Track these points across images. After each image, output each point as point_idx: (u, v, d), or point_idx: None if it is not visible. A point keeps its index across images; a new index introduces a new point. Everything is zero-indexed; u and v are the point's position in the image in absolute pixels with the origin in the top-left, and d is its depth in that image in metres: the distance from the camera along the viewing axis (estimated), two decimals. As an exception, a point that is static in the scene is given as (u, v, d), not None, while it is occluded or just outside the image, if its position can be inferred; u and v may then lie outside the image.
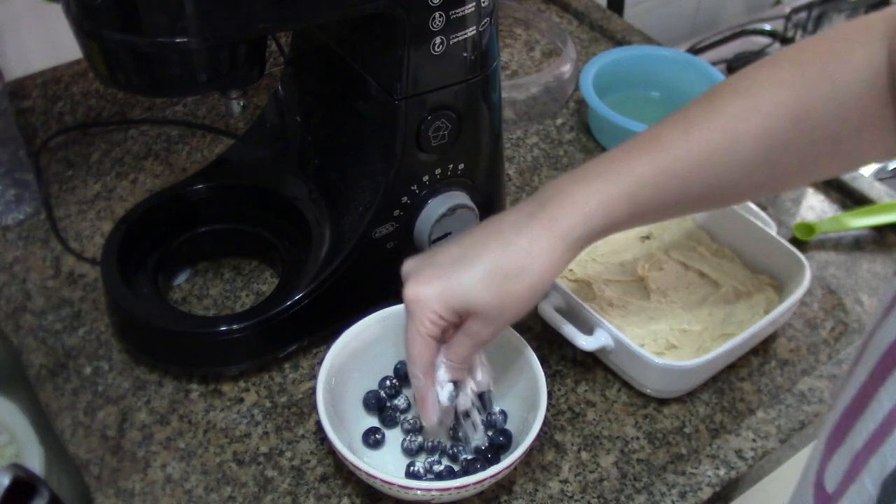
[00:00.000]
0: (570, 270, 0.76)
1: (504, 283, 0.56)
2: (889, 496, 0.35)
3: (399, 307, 0.68)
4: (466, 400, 0.63)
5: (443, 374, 0.61)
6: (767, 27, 1.56)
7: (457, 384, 0.62)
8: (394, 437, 0.67)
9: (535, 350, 0.66)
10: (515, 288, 0.57)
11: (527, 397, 0.65)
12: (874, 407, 0.39)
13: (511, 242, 0.56)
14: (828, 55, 0.55)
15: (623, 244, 0.79)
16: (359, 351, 0.67)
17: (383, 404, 0.68)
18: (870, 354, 0.41)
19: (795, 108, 0.54)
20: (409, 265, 0.60)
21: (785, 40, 1.55)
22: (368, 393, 0.68)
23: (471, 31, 0.64)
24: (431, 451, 0.66)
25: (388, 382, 0.69)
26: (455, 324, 0.59)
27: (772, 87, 0.55)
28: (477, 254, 0.57)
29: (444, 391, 0.61)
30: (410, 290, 0.57)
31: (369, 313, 0.68)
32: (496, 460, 0.64)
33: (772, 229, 0.76)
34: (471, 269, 0.56)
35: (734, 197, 0.63)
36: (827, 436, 0.43)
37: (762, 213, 0.78)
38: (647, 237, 0.80)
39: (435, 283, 0.57)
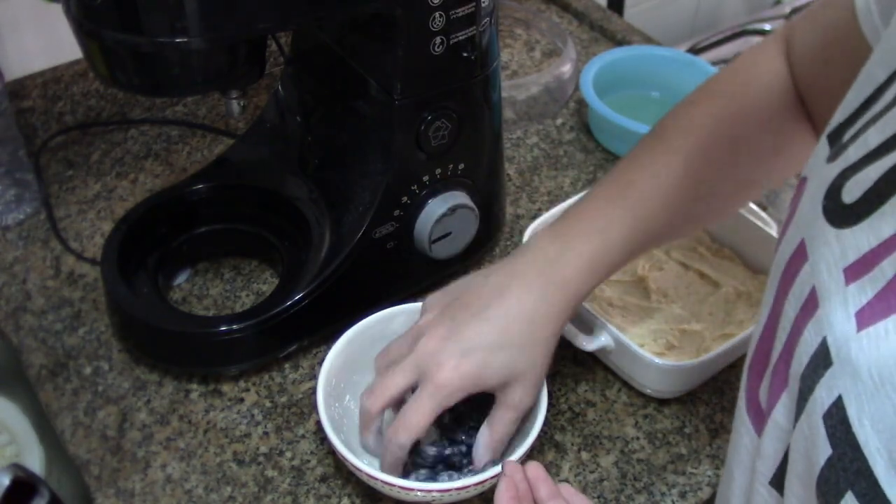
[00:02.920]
0: None
1: (533, 351, 0.60)
2: (807, 388, 0.38)
3: (400, 307, 0.68)
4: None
5: (485, 451, 0.61)
6: (767, 27, 1.56)
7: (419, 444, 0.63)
8: None
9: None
10: (542, 352, 0.61)
11: None
12: (783, 321, 0.42)
13: (534, 313, 0.60)
14: (744, 87, 0.63)
15: None
16: (360, 351, 0.67)
17: None
18: (774, 275, 0.44)
19: (731, 138, 0.62)
20: (432, 341, 0.59)
21: (785, 40, 1.55)
22: None
23: (471, 31, 0.64)
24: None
25: None
26: None
27: (708, 120, 0.63)
28: (503, 332, 0.59)
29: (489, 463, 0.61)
30: (442, 375, 0.57)
31: (370, 313, 0.68)
32: (497, 461, 0.63)
33: (772, 229, 0.76)
34: (500, 348, 0.59)
35: (697, 223, 0.71)
36: (750, 361, 0.47)
37: (762, 213, 0.78)
38: None
39: (466, 368, 0.58)
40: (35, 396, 0.68)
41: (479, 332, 0.59)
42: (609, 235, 0.61)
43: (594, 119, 0.96)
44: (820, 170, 0.42)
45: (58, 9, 0.59)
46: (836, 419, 0.35)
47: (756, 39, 1.54)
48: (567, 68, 0.97)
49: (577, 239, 0.61)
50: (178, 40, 0.56)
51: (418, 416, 0.58)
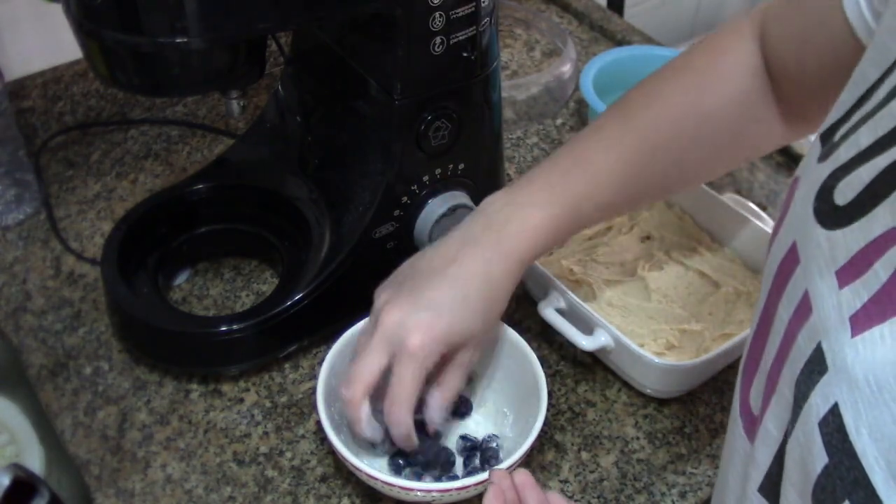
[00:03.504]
0: (571, 270, 0.76)
1: (489, 311, 0.61)
2: (801, 395, 0.37)
3: None
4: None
5: (438, 411, 0.62)
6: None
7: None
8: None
9: (535, 350, 0.66)
10: (496, 313, 0.62)
11: (527, 397, 0.65)
12: (777, 324, 0.42)
13: (488, 274, 0.60)
14: (713, 63, 0.63)
15: (623, 244, 0.79)
16: None
17: None
18: (766, 277, 0.44)
19: (696, 111, 0.63)
20: (394, 311, 0.59)
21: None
22: None
23: (471, 31, 0.64)
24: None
25: None
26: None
27: (674, 94, 0.64)
28: (462, 288, 0.60)
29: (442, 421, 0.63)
30: (415, 339, 0.57)
31: (370, 313, 0.68)
32: (496, 461, 0.64)
33: (771, 229, 0.76)
34: (464, 306, 0.59)
35: (658, 195, 0.74)
36: (744, 364, 0.46)
37: (762, 213, 0.78)
38: (648, 237, 0.80)
39: (437, 327, 0.58)
40: (35, 396, 0.68)
41: (440, 290, 0.59)
42: (559, 205, 0.62)
43: (594, 119, 0.96)
44: (811, 170, 0.42)
45: (58, 9, 0.59)
46: (833, 427, 0.34)
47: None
48: (567, 68, 0.97)
49: (526, 207, 0.62)
50: (178, 40, 0.56)
51: (405, 388, 0.58)
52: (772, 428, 0.41)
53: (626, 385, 0.72)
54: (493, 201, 0.63)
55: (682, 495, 0.65)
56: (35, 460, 0.61)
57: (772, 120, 0.63)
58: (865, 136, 0.38)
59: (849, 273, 0.36)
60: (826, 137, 0.43)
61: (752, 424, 0.45)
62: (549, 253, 0.76)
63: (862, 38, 0.51)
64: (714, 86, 0.63)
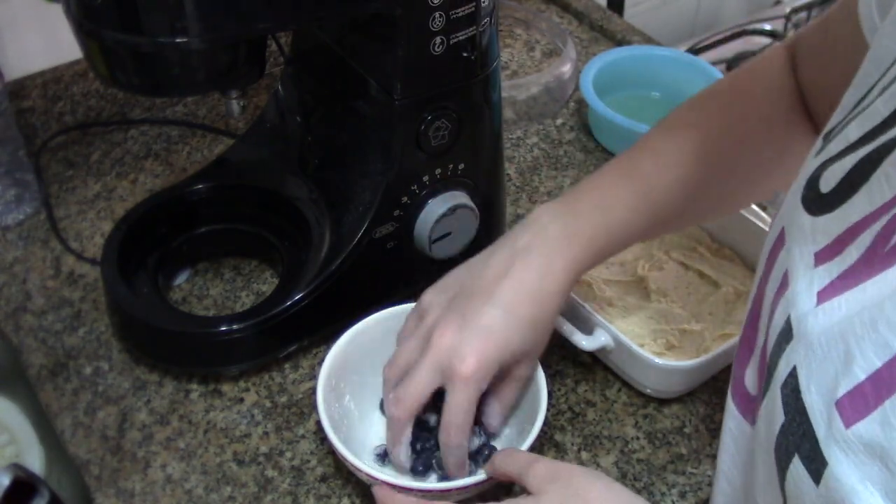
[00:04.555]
0: None
1: (541, 327, 0.61)
2: (773, 364, 0.39)
3: (401, 307, 0.68)
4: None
5: (497, 420, 0.63)
6: (767, 27, 1.56)
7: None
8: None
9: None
10: (548, 327, 0.62)
11: (527, 398, 0.65)
12: (765, 305, 0.43)
13: (539, 289, 0.60)
14: (751, 86, 0.65)
15: None
16: (360, 351, 0.67)
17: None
18: (759, 264, 0.46)
19: (737, 131, 0.63)
20: (447, 334, 0.58)
21: (785, 40, 1.55)
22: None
23: (471, 31, 0.64)
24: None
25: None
26: None
27: (715, 115, 0.64)
28: (514, 307, 0.59)
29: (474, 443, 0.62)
30: (469, 365, 0.57)
31: (370, 313, 0.68)
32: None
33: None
34: (516, 325, 0.59)
35: (708, 213, 0.71)
36: (739, 346, 0.48)
37: (762, 213, 0.78)
38: None
39: (489, 350, 0.58)
40: (35, 396, 0.68)
41: (492, 316, 0.58)
42: (611, 215, 0.61)
43: (594, 119, 0.96)
44: (807, 163, 0.44)
45: (58, 9, 0.59)
46: (790, 388, 0.36)
47: (756, 39, 1.54)
48: (567, 68, 0.97)
49: (579, 217, 0.61)
50: (178, 40, 0.56)
51: (460, 414, 0.58)
52: (774, 406, 0.42)
53: (626, 385, 0.72)
54: (543, 212, 0.62)
55: (682, 495, 0.65)
56: (35, 460, 0.61)
57: (808, 137, 0.62)
58: (854, 131, 0.40)
59: (826, 255, 0.39)
60: (827, 137, 0.44)
61: (746, 403, 0.46)
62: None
63: None
64: (752, 110, 0.63)
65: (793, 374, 0.37)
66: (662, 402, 0.71)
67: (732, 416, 0.48)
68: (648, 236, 0.69)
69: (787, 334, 0.39)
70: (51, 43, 0.89)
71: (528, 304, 0.59)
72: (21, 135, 0.83)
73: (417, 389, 0.58)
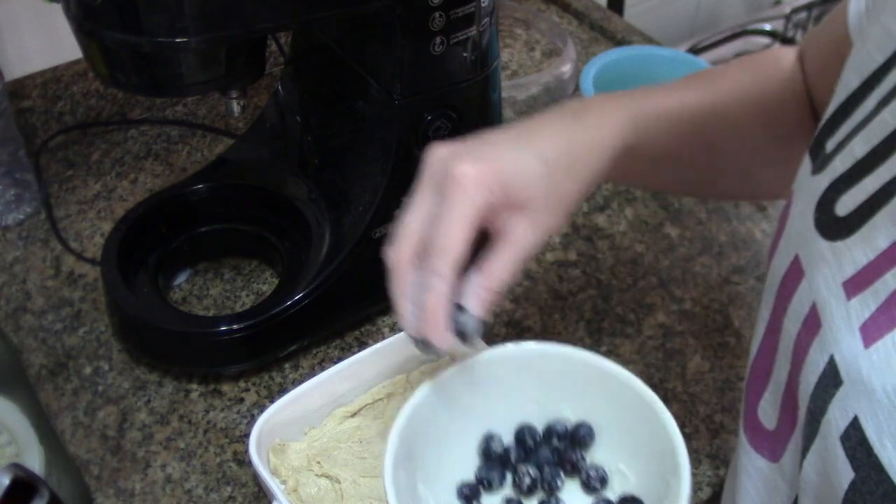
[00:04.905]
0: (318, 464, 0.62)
1: (561, 178, 0.49)
2: (818, 409, 0.37)
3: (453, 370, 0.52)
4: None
5: (473, 303, 0.47)
6: (767, 27, 1.56)
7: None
8: None
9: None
10: (568, 191, 0.50)
11: (658, 457, 0.50)
12: (785, 339, 0.41)
13: (569, 139, 0.50)
14: (770, 69, 0.61)
15: None
16: (425, 428, 0.51)
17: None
18: (769, 291, 0.43)
19: (757, 99, 0.60)
20: (443, 150, 0.48)
21: (785, 40, 1.55)
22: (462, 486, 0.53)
23: (471, 31, 0.64)
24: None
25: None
26: (495, 227, 0.48)
27: (736, 79, 0.61)
28: (534, 139, 0.49)
29: (471, 322, 0.47)
30: (463, 167, 0.46)
31: (370, 313, 0.67)
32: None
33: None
34: (532, 154, 0.48)
35: (713, 162, 0.62)
36: (749, 380, 0.45)
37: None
38: None
39: (492, 160, 0.47)
40: (35, 396, 0.68)
41: (513, 140, 0.49)
42: (641, 105, 0.54)
43: (594, 119, 0.96)
44: (806, 182, 0.42)
45: (58, 9, 0.59)
46: (855, 441, 0.34)
47: (756, 39, 1.54)
48: (567, 68, 0.97)
49: (610, 100, 0.54)
50: (178, 40, 0.56)
51: (449, 230, 0.45)
52: (796, 445, 0.41)
53: (626, 385, 0.72)
54: (567, 103, 0.56)
55: (682, 495, 0.65)
56: (35, 460, 0.61)
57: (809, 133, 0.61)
58: (859, 146, 0.38)
59: (857, 284, 0.36)
60: (816, 150, 0.42)
61: (758, 436, 0.44)
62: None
63: None
64: (773, 87, 0.60)
65: (856, 426, 0.34)
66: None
67: (746, 453, 0.45)
68: (673, 159, 0.59)
69: (833, 378, 0.36)
70: (51, 43, 0.89)
71: (551, 144, 0.49)
72: (21, 135, 0.83)
73: (411, 216, 0.48)
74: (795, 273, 0.41)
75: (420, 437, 0.50)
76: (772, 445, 0.43)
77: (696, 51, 1.49)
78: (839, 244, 0.38)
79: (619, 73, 0.97)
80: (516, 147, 0.48)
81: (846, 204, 0.38)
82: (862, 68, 0.41)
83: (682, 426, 0.69)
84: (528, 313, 0.77)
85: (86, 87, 0.93)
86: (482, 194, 0.46)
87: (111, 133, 0.95)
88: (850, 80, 0.42)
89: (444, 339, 0.46)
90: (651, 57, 1.00)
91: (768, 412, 0.43)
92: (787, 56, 0.62)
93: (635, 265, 0.82)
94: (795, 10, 1.57)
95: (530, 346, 0.54)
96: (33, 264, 0.81)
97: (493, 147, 0.48)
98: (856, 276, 0.36)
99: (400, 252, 0.48)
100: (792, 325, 0.40)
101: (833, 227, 0.38)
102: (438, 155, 0.48)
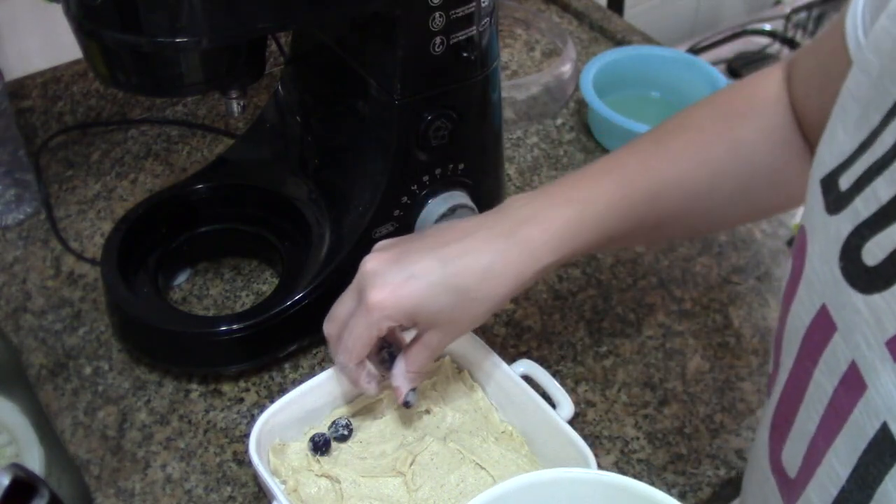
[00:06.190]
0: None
1: (477, 303, 0.57)
2: (870, 477, 0.35)
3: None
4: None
5: (402, 381, 0.60)
6: (767, 27, 1.56)
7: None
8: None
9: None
10: (485, 308, 0.57)
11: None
12: (814, 390, 0.40)
13: (491, 265, 0.56)
14: (747, 98, 0.62)
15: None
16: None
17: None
18: (791, 338, 0.42)
19: (730, 137, 0.61)
20: (374, 263, 0.57)
21: (785, 40, 1.55)
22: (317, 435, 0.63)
23: (471, 31, 0.64)
24: None
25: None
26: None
27: (707, 120, 0.62)
28: (456, 271, 0.56)
29: (410, 395, 0.61)
30: (376, 295, 0.55)
31: None
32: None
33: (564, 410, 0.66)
34: (448, 289, 0.56)
35: (685, 222, 0.64)
36: (771, 423, 0.45)
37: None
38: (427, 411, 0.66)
39: (405, 295, 0.55)
40: (35, 396, 0.68)
41: (427, 267, 0.56)
42: (586, 208, 0.58)
43: (594, 119, 0.96)
44: (821, 221, 0.40)
45: (58, 9, 0.59)
46: None
47: (756, 39, 1.54)
48: (567, 68, 0.97)
49: (554, 206, 0.58)
50: (178, 40, 0.56)
51: (353, 339, 0.57)
52: (815, 500, 0.39)
53: (626, 385, 0.72)
54: (516, 200, 0.60)
55: (682, 495, 0.65)
56: (35, 460, 0.61)
57: (804, 156, 0.59)
58: (884, 189, 0.36)
59: None
60: (829, 184, 0.40)
61: (786, 486, 0.43)
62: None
63: None
64: (749, 118, 0.61)
65: None
66: (662, 402, 0.71)
67: (773, 494, 0.44)
68: (628, 240, 0.65)
69: (889, 447, 0.34)
70: (50, 43, 0.89)
71: (469, 275, 0.56)
72: (21, 135, 0.83)
73: (336, 309, 0.59)
74: (825, 325, 0.39)
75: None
76: (788, 491, 0.43)
77: (696, 51, 1.49)
78: (875, 298, 0.35)
79: (618, 73, 0.98)
80: (435, 271, 0.55)
81: (874, 253, 0.36)
82: (880, 104, 0.39)
83: (681, 426, 0.69)
84: (528, 313, 0.77)
85: (86, 87, 0.93)
86: (385, 322, 0.56)
87: (111, 133, 0.95)
88: (871, 117, 0.39)
89: (367, 389, 0.62)
90: (651, 57, 1.00)
91: (791, 461, 0.42)
92: (769, 85, 0.61)
93: (635, 265, 0.82)
94: (795, 10, 1.57)
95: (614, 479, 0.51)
96: (33, 264, 0.81)
97: (412, 276, 0.55)
98: None
99: (329, 330, 0.61)
100: (826, 381, 0.39)
101: (864, 278, 0.36)
102: (369, 267, 0.57)
